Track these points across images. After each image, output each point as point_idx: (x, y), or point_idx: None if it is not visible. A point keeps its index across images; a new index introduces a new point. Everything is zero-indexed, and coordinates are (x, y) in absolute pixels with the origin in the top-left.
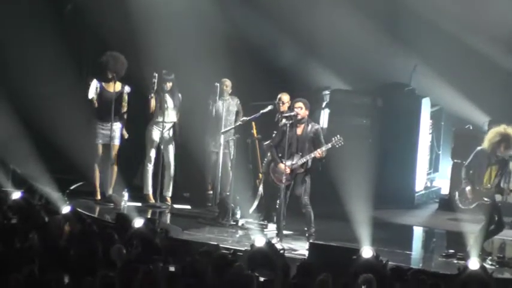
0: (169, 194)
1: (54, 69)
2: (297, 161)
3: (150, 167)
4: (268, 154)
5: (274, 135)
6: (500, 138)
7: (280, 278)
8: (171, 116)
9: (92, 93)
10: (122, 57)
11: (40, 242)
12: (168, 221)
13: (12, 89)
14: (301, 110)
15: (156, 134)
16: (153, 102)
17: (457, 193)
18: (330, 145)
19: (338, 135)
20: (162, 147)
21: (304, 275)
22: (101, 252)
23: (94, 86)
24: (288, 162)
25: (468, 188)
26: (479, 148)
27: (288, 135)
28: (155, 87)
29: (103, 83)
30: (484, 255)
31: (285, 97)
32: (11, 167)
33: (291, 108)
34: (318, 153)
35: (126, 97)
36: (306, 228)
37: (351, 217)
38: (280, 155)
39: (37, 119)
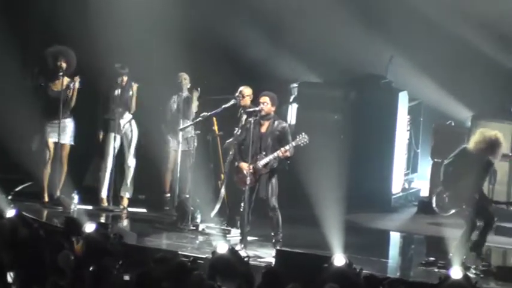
0: (127, 194)
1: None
2: (259, 161)
3: (107, 171)
4: (230, 153)
5: (236, 132)
6: (486, 147)
7: None
8: (124, 112)
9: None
10: (71, 50)
11: None
12: (122, 226)
13: None
14: (266, 105)
15: (111, 136)
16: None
17: (434, 196)
18: (293, 143)
19: (303, 133)
20: (122, 145)
21: (270, 284)
22: (49, 259)
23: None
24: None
25: (447, 193)
26: (463, 146)
27: (252, 132)
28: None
29: (49, 83)
30: (476, 262)
31: (246, 90)
32: None
33: (254, 102)
34: (281, 152)
35: (75, 90)
36: (272, 234)
37: (321, 221)
38: (244, 154)
39: None
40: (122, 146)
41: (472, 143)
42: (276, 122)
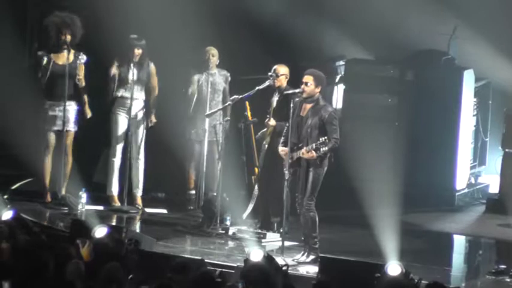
0: (139, 193)
1: None
2: (296, 152)
3: (115, 161)
4: (264, 143)
5: (267, 120)
6: None
7: None
8: (138, 92)
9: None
10: (76, 18)
11: None
12: (139, 230)
13: None
14: (309, 86)
15: (122, 119)
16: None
17: None
18: (313, 145)
19: (324, 138)
20: (130, 134)
21: None
22: (52, 269)
23: (43, 63)
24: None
25: None
26: None
27: (292, 117)
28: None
29: (51, 55)
30: None
31: (282, 69)
32: None
33: (291, 82)
34: (304, 152)
35: (82, 68)
36: (302, 238)
37: (372, 223)
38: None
39: None
40: (131, 133)
41: None
42: (320, 106)
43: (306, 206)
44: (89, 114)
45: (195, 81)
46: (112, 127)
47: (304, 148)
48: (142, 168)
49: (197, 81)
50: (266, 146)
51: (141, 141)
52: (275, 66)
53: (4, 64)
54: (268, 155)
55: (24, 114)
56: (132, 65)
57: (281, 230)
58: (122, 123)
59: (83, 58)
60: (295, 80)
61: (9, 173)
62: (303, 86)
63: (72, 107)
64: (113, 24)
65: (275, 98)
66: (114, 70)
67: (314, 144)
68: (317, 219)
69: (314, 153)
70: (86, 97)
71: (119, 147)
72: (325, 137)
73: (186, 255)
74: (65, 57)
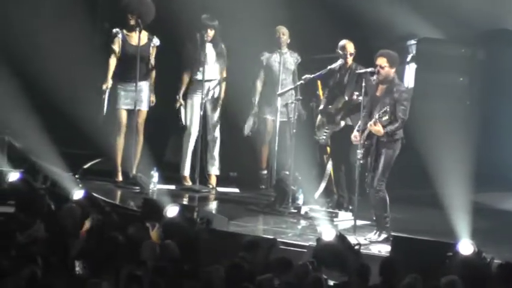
0: (214, 172)
1: (59, 11)
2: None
3: (190, 141)
4: (337, 119)
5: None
6: None
7: (357, 282)
8: (212, 73)
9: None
10: (151, 1)
11: (45, 236)
12: (211, 209)
13: (5, 37)
14: (384, 69)
15: (197, 99)
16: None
17: None
18: (377, 116)
19: (386, 107)
20: (205, 113)
21: (389, 276)
22: (124, 249)
23: (118, 40)
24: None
25: None
26: None
27: (366, 96)
28: None
29: (125, 33)
30: None
31: (350, 46)
32: (6, 140)
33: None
34: (371, 125)
35: (153, 52)
36: (375, 218)
37: (443, 203)
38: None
39: (39, 75)
40: (206, 114)
41: None
42: (393, 85)
43: (376, 187)
44: (153, 101)
45: (263, 61)
46: (188, 109)
47: (372, 121)
48: (218, 147)
49: (266, 61)
50: (343, 123)
51: (216, 121)
52: (344, 43)
53: (75, 42)
54: (341, 132)
55: (95, 93)
56: (205, 46)
57: (350, 208)
58: (196, 104)
59: (157, 41)
60: (366, 59)
61: (80, 153)
62: (378, 69)
63: (145, 86)
64: (184, 5)
65: (344, 76)
66: (186, 51)
67: (377, 115)
68: (387, 199)
69: (381, 129)
70: (153, 82)
71: (194, 129)
72: (387, 107)
73: (258, 235)
74: (137, 38)
